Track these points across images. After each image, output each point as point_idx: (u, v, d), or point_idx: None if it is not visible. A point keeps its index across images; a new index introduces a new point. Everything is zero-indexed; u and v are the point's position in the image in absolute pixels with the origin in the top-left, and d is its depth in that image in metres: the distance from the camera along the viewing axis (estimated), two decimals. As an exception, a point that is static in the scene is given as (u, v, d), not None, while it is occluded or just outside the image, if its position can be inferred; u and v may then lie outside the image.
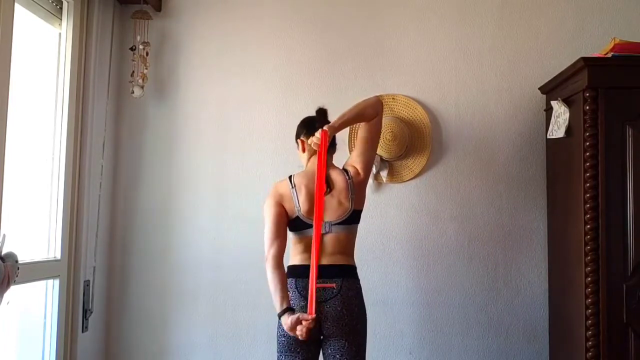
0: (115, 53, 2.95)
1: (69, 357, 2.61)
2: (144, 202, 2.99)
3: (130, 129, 3.01)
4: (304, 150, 2.45)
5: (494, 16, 2.95)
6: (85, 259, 2.69)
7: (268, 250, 2.28)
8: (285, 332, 2.22)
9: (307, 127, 2.43)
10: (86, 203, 2.69)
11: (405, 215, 2.92)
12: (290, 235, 2.35)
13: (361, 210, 2.39)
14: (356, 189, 2.34)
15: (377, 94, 2.92)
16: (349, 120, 2.37)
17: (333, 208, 2.33)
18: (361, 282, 2.35)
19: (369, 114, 2.38)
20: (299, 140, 2.46)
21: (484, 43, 2.95)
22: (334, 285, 2.25)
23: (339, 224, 2.31)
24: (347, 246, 2.33)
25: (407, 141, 2.88)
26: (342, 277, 2.27)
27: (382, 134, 2.81)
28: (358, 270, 2.36)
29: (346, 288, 2.26)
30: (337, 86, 2.97)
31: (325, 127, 2.29)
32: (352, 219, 2.34)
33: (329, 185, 2.33)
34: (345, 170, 2.38)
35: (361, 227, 2.41)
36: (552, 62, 2.84)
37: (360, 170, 2.37)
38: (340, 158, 2.48)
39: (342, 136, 2.72)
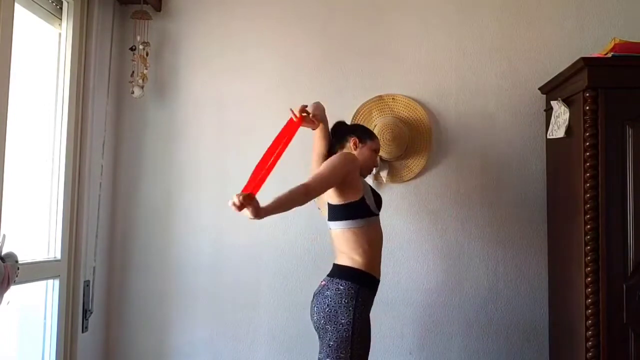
0: (115, 53, 2.94)
1: (69, 357, 2.60)
2: (144, 202, 2.98)
3: (130, 129, 3.01)
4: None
5: (494, 16, 2.95)
6: (85, 259, 2.69)
7: None
8: None
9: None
10: (86, 203, 2.69)
11: (405, 215, 2.92)
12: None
13: (339, 205, 2.30)
14: None
15: (378, 94, 2.94)
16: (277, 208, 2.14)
17: (325, 207, 2.40)
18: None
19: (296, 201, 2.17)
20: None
21: (484, 43, 2.95)
22: (323, 282, 2.32)
23: (329, 221, 2.35)
24: (343, 243, 2.32)
25: (407, 141, 2.88)
26: (330, 275, 2.32)
27: (382, 134, 2.82)
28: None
29: (326, 287, 2.28)
30: (337, 86, 2.96)
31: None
32: (330, 214, 2.35)
33: None
34: None
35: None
36: (552, 62, 2.84)
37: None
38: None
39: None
